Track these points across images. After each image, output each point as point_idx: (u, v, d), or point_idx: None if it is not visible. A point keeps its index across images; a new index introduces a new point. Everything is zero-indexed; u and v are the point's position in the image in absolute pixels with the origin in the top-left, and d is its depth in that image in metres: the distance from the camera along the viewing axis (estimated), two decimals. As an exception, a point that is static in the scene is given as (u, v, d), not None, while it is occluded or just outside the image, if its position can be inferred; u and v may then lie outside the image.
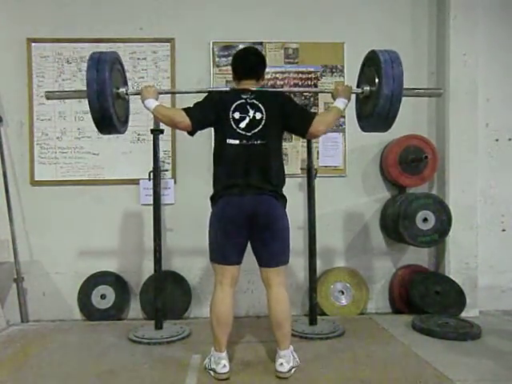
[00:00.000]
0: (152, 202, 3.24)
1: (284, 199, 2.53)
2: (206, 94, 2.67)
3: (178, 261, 3.78)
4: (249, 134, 2.45)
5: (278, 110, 2.51)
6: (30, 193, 3.77)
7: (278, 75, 3.84)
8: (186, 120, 2.44)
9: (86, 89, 2.47)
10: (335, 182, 3.87)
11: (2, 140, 3.71)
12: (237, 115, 2.46)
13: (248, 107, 2.48)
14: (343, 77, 3.85)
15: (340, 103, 2.59)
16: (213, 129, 2.61)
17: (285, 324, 2.46)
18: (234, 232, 2.42)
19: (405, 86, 2.47)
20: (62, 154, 3.78)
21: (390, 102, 2.43)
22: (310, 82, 3.86)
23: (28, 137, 3.75)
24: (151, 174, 3.23)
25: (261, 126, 2.45)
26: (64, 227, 3.76)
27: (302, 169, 3.73)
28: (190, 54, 3.80)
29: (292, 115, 2.53)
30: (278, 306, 2.46)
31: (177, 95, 3.73)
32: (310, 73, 3.86)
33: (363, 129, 2.80)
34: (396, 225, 3.57)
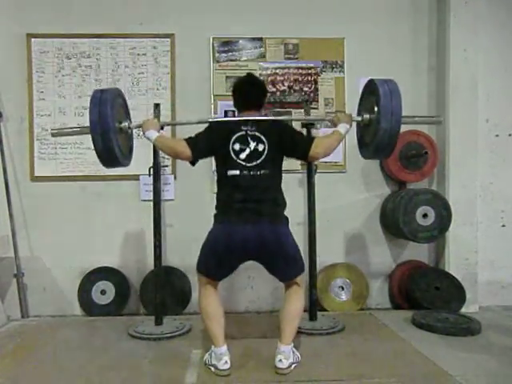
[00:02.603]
0: (152, 198, 3.24)
1: (286, 219, 2.56)
2: (206, 125, 2.66)
3: (178, 256, 3.78)
4: (249, 164, 2.46)
5: (278, 138, 2.52)
6: (30, 188, 3.77)
7: (277, 71, 3.83)
8: (186, 151, 2.48)
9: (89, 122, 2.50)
10: (335, 177, 3.86)
11: (2, 135, 3.70)
12: (237, 147, 2.48)
13: (249, 139, 2.49)
14: (343, 72, 3.83)
15: (341, 128, 2.61)
16: (214, 158, 2.65)
17: (293, 321, 2.51)
18: (228, 260, 2.47)
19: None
20: (61, 150, 3.77)
21: (389, 135, 2.48)
22: (309, 78, 3.85)
23: (28, 132, 3.75)
24: (151, 169, 3.23)
25: (263, 157, 2.47)
26: (64, 223, 3.76)
27: (301, 164, 3.73)
28: (190, 50, 3.79)
29: (292, 142, 2.56)
30: (292, 304, 2.53)
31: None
32: (310, 68, 3.85)
33: (363, 156, 2.85)
34: (396, 220, 3.57)
